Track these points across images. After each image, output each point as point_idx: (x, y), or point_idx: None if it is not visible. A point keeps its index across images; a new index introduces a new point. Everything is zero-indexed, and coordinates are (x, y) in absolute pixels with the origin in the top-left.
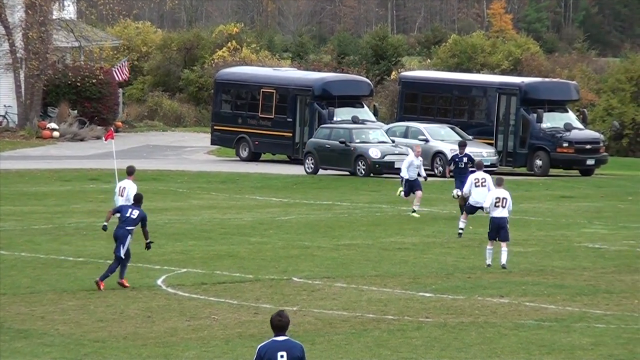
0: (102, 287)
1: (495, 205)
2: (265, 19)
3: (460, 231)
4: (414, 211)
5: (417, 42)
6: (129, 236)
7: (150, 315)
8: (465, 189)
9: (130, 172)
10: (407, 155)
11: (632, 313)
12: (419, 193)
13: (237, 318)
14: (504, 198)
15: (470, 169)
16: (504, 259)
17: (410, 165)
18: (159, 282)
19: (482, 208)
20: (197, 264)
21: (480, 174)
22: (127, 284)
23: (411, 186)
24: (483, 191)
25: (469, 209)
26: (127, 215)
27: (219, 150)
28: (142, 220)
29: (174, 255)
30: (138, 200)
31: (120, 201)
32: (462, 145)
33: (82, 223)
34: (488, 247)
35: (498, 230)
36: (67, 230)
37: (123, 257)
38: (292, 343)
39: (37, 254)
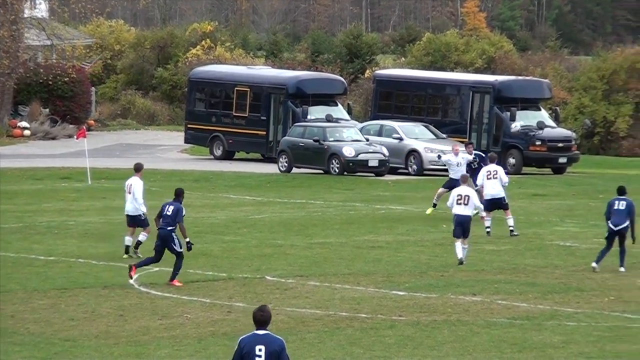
0: (178, 284)
1: (457, 203)
2: (240, 17)
3: (488, 229)
4: (434, 205)
5: (392, 41)
6: (173, 234)
7: (123, 314)
8: (478, 180)
9: (137, 169)
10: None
11: (602, 311)
12: None
13: (209, 317)
14: (466, 196)
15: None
16: (463, 253)
17: (451, 165)
18: (132, 280)
19: (502, 199)
20: (170, 262)
21: (492, 167)
22: (178, 283)
23: (453, 186)
24: (495, 183)
25: (487, 206)
26: (165, 213)
27: (192, 149)
28: (176, 213)
29: (146, 253)
30: (178, 194)
31: (128, 198)
32: (467, 145)
33: (54, 222)
34: (456, 243)
35: (462, 227)
36: (38, 229)
37: (181, 250)
38: (272, 337)
39: (7, 253)
